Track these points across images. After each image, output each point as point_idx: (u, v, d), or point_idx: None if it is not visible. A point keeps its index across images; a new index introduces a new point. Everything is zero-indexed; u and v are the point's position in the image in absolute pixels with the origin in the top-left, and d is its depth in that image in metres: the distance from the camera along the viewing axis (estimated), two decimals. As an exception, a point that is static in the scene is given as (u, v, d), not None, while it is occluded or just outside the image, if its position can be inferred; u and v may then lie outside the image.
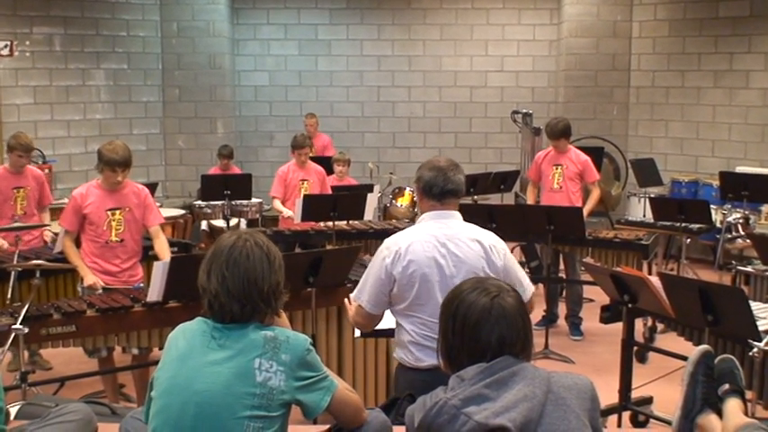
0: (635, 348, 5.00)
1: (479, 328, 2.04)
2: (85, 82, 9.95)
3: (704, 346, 2.75)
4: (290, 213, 6.91)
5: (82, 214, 4.89)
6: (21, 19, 9.35)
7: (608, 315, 4.81)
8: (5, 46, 9.16)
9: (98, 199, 4.89)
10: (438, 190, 3.19)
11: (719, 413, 2.61)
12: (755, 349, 3.58)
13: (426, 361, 3.15)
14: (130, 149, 4.93)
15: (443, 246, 3.14)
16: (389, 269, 3.15)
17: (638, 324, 5.21)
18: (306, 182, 7.14)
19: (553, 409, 1.95)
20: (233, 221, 7.92)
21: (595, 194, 6.79)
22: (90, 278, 4.82)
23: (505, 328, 2.03)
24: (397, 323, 3.29)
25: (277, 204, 7.18)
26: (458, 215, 3.25)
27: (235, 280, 2.29)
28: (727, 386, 2.63)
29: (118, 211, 4.92)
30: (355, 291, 3.31)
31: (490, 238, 3.22)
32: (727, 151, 9.54)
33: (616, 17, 10.30)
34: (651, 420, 4.79)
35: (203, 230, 8.53)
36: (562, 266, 6.93)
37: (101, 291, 4.75)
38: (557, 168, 6.74)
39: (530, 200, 7.12)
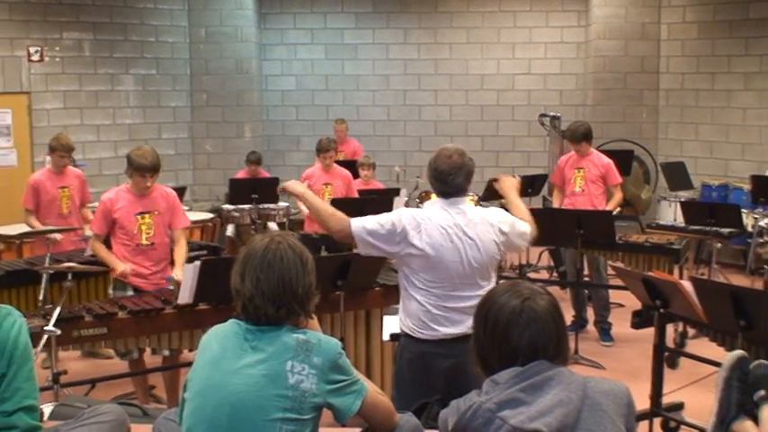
0: (665, 354, 4.96)
1: (509, 332, 2.02)
2: (115, 87, 10.07)
3: (739, 351, 2.71)
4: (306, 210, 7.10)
5: (112, 219, 4.93)
6: (51, 25, 9.48)
7: (639, 320, 4.77)
8: (36, 51, 9.32)
9: (128, 203, 4.94)
10: (452, 179, 3.37)
11: (755, 419, 2.58)
12: (791, 355, 3.54)
13: (440, 330, 3.32)
14: (159, 154, 4.99)
15: (462, 231, 3.31)
16: (408, 237, 3.27)
17: (669, 329, 5.15)
18: (329, 186, 7.15)
19: (589, 415, 1.93)
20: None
21: (617, 197, 6.71)
22: (120, 266, 4.85)
23: (536, 332, 2.01)
24: (406, 292, 3.40)
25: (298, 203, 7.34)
26: (466, 199, 3.45)
27: (270, 282, 2.29)
28: (762, 392, 2.59)
29: (147, 215, 4.96)
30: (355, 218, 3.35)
31: (496, 215, 3.44)
32: (758, 155, 9.41)
33: (644, 19, 10.22)
34: (682, 426, 4.74)
35: (228, 236, 8.52)
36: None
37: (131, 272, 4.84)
38: (579, 171, 6.70)
39: (555, 205, 7.07)
